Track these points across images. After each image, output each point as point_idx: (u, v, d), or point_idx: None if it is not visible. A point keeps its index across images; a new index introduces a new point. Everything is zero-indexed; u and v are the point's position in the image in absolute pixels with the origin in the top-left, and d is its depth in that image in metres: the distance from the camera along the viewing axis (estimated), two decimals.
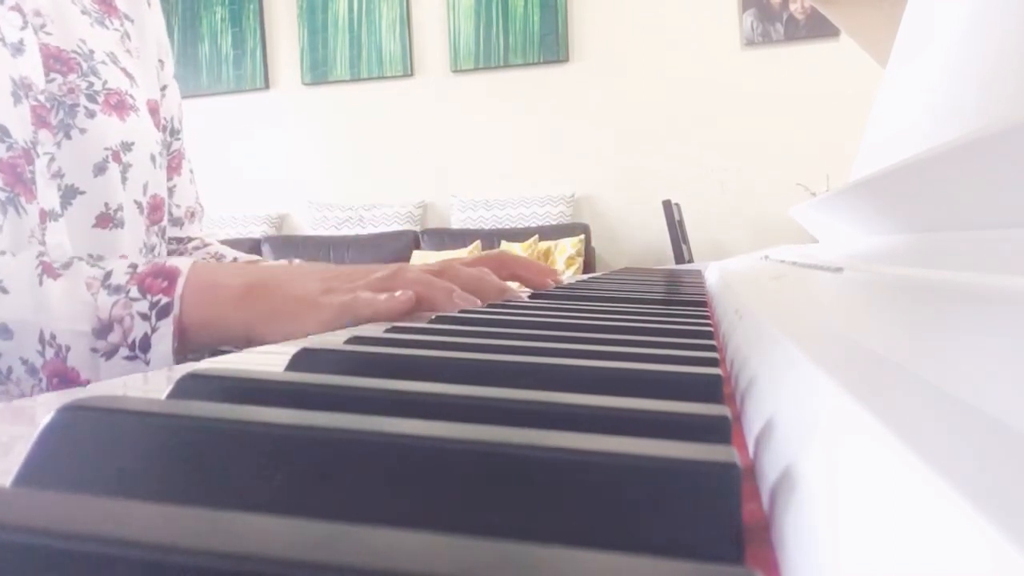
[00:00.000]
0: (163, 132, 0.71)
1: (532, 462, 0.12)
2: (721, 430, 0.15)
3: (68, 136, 0.58)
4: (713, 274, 0.85)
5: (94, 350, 0.45)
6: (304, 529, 0.09)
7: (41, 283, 0.45)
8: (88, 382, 0.45)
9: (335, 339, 0.34)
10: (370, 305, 0.46)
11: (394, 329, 0.34)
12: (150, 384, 0.27)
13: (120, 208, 0.62)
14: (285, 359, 0.24)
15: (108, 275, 0.47)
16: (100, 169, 0.60)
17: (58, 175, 0.58)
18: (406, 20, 3.85)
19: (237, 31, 4.03)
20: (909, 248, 0.35)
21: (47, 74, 0.58)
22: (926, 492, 0.08)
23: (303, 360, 0.24)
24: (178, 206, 0.74)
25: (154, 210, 0.67)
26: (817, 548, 0.10)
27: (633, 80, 3.59)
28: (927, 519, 0.07)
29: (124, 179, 0.62)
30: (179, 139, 0.75)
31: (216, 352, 0.50)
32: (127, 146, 0.62)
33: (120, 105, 0.62)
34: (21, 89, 0.55)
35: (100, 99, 0.61)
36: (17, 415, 0.22)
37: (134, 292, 0.46)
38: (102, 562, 0.08)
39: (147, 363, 0.46)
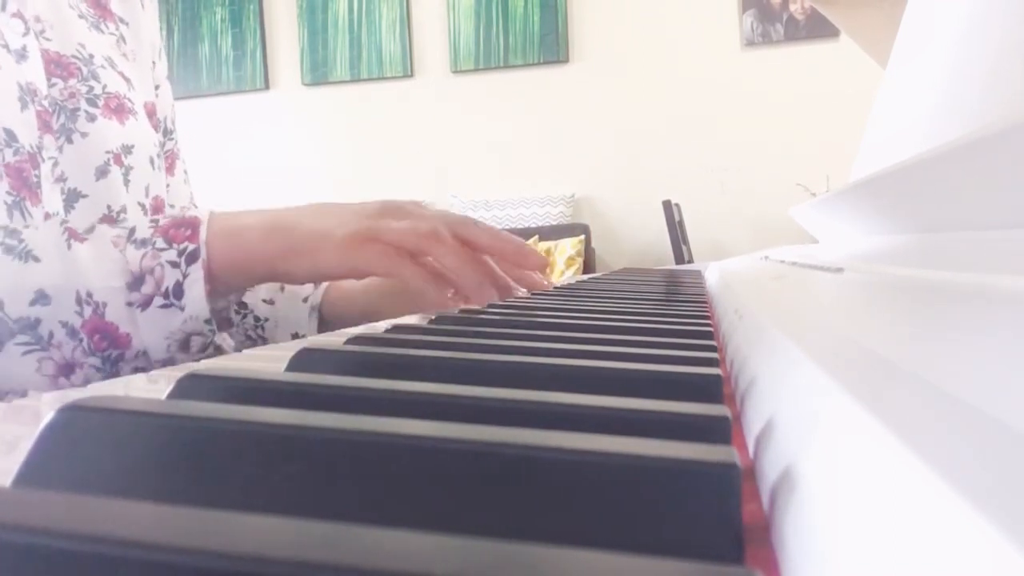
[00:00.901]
0: (159, 133, 0.71)
1: (532, 462, 0.12)
2: (721, 430, 0.15)
3: (70, 140, 0.59)
4: (713, 274, 0.85)
5: (129, 303, 0.46)
6: (304, 529, 0.09)
7: (70, 247, 0.47)
8: (128, 335, 0.47)
9: (335, 339, 0.34)
10: (390, 229, 0.49)
11: (394, 329, 0.34)
12: (152, 384, 0.27)
13: (123, 210, 0.62)
14: (285, 359, 0.24)
15: (132, 231, 0.48)
16: (102, 172, 0.61)
17: (61, 179, 0.58)
18: (406, 20, 3.85)
19: (237, 32, 4.03)
20: (909, 248, 0.35)
21: (48, 79, 0.58)
22: (926, 492, 0.08)
23: (303, 360, 0.24)
24: (172, 206, 0.74)
25: (156, 211, 0.67)
26: (817, 548, 0.10)
27: (633, 80, 3.59)
28: (927, 519, 0.07)
29: (127, 181, 0.63)
30: (172, 139, 0.75)
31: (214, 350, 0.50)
32: (127, 149, 0.63)
33: (120, 109, 0.63)
34: (27, 94, 0.56)
35: (100, 103, 0.61)
36: (20, 414, 0.22)
37: (160, 243, 0.48)
38: (102, 562, 0.08)
39: (182, 309, 0.47)
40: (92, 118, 0.60)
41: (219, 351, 0.50)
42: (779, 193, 3.20)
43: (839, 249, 0.56)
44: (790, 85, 3.38)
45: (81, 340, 0.46)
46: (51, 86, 0.58)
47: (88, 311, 0.46)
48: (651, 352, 0.25)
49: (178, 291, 0.47)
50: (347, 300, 0.70)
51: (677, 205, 2.91)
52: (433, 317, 0.39)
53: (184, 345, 0.49)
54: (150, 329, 0.47)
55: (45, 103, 0.57)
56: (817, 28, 3.31)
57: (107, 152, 0.61)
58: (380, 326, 0.39)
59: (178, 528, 0.09)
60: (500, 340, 0.29)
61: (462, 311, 0.43)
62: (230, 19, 4.03)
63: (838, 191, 0.50)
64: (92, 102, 0.61)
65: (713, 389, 0.20)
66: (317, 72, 3.96)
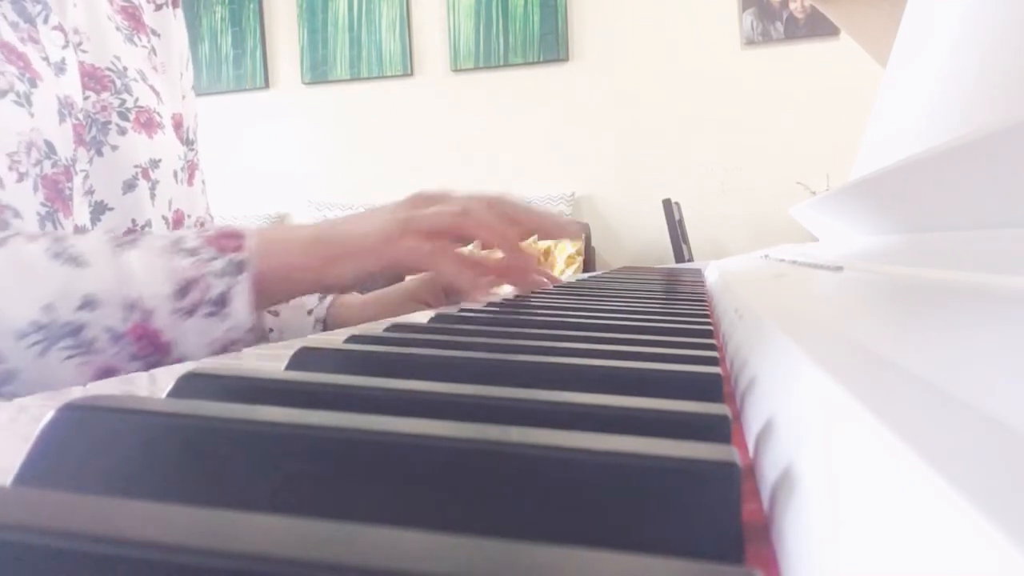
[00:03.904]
0: (185, 145, 0.72)
1: (532, 461, 0.12)
2: (721, 429, 0.15)
3: (100, 153, 0.59)
4: (713, 273, 0.85)
5: (176, 310, 0.47)
6: (304, 528, 0.09)
7: (118, 254, 0.47)
8: (170, 342, 0.47)
9: (335, 338, 0.34)
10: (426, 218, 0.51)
11: (394, 328, 0.34)
12: (158, 384, 0.27)
13: (148, 224, 0.63)
14: (285, 358, 0.24)
15: (179, 240, 0.49)
16: (129, 186, 0.61)
17: (89, 192, 0.59)
18: (406, 20, 3.85)
19: (237, 31, 4.03)
20: (909, 248, 0.35)
21: (83, 92, 0.59)
22: (926, 491, 0.08)
23: (303, 359, 0.24)
24: (189, 216, 0.74)
25: (177, 224, 0.68)
26: (817, 547, 0.10)
27: (633, 80, 3.58)
28: (927, 518, 0.07)
29: (153, 195, 0.64)
30: (194, 149, 0.76)
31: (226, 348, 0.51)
32: (155, 163, 0.63)
33: (149, 123, 0.63)
34: (65, 107, 0.56)
35: (131, 116, 0.62)
36: (21, 413, 0.22)
37: (208, 253, 0.48)
38: (102, 562, 0.08)
39: (226, 317, 0.48)
40: (123, 131, 0.61)
41: None
42: (779, 192, 3.20)
43: (839, 248, 0.56)
44: (790, 84, 3.38)
45: (124, 346, 0.46)
46: (85, 99, 0.59)
47: (135, 316, 0.46)
48: (651, 351, 0.25)
49: (224, 300, 0.47)
50: (350, 312, 0.71)
51: (677, 204, 2.91)
52: (432, 316, 0.39)
53: (224, 352, 0.49)
54: (193, 336, 0.47)
55: (80, 116, 0.58)
56: (817, 27, 3.31)
57: (135, 166, 0.61)
58: (379, 325, 0.39)
59: (178, 527, 0.09)
60: (499, 339, 0.29)
61: (462, 310, 0.43)
62: (230, 18, 4.03)
63: (838, 190, 0.50)
64: (124, 116, 0.61)
65: (713, 388, 0.20)
66: (317, 71, 3.96)
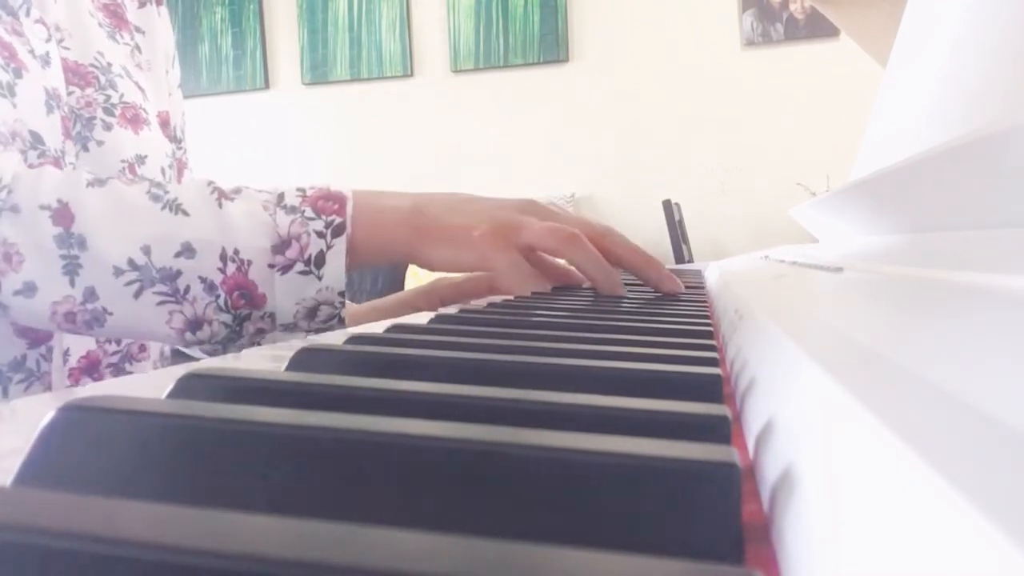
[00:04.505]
0: (173, 143, 0.72)
1: (532, 462, 0.12)
2: (721, 430, 0.15)
3: (86, 148, 0.59)
4: (713, 274, 0.85)
5: (271, 265, 0.48)
6: (304, 529, 0.09)
7: (221, 206, 0.48)
8: (265, 295, 0.48)
9: (335, 339, 0.34)
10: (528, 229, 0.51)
11: (394, 328, 0.34)
12: (158, 383, 0.27)
13: None
14: (285, 359, 0.24)
15: (281, 197, 0.50)
16: None
17: None
18: (406, 20, 3.85)
19: (237, 31, 4.03)
20: (908, 247, 0.35)
21: (66, 87, 0.59)
22: (926, 491, 0.08)
23: (303, 360, 0.24)
24: None
25: None
26: (817, 547, 0.10)
27: (633, 80, 3.58)
28: (926, 518, 0.07)
29: None
30: (182, 147, 0.76)
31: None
32: (141, 159, 0.64)
33: (135, 119, 0.63)
34: (52, 99, 0.56)
35: (116, 112, 0.62)
36: (20, 414, 0.22)
37: (309, 212, 0.49)
38: (102, 562, 0.08)
39: (320, 278, 0.49)
40: (108, 127, 0.61)
41: (342, 323, 0.51)
42: (779, 193, 3.20)
43: (839, 248, 0.56)
44: (790, 85, 3.38)
45: (217, 296, 0.47)
46: (68, 94, 0.59)
47: (232, 268, 0.47)
48: (651, 352, 0.25)
49: (320, 260, 0.48)
50: (347, 321, 0.71)
51: (677, 204, 2.91)
52: (433, 317, 0.39)
53: (311, 313, 0.50)
54: (285, 293, 0.48)
55: (65, 110, 0.58)
56: (817, 28, 3.31)
57: (122, 161, 0.62)
58: (380, 326, 0.39)
59: (178, 528, 0.09)
60: (500, 340, 0.29)
61: (462, 310, 0.43)
62: (230, 19, 4.03)
63: (838, 191, 0.50)
64: (109, 111, 0.61)
65: (713, 389, 0.20)
66: (317, 72, 3.96)
